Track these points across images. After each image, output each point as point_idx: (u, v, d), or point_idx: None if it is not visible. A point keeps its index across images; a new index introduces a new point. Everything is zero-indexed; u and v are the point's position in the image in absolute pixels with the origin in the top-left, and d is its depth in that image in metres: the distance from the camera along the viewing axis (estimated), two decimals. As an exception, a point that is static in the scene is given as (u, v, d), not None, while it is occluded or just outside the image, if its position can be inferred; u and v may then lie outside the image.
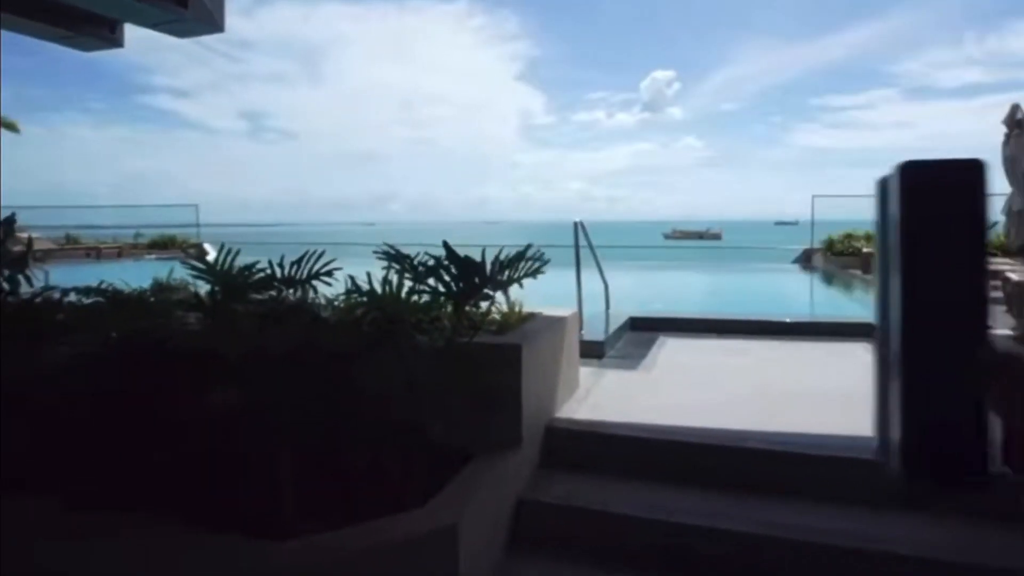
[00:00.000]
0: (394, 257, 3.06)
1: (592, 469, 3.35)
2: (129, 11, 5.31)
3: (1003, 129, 10.47)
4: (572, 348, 4.21)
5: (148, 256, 19.19)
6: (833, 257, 13.69)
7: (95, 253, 18.78)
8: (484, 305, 3.98)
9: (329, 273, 3.15)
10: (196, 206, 22.07)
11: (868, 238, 13.92)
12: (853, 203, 16.63)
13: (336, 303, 3.21)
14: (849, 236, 14.03)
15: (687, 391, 4.24)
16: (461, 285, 2.96)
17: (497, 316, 3.97)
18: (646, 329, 6.36)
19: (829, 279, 12.50)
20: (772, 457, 3.14)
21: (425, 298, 2.96)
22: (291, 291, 3.26)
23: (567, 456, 3.44)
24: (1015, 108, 10.70)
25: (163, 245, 19.93)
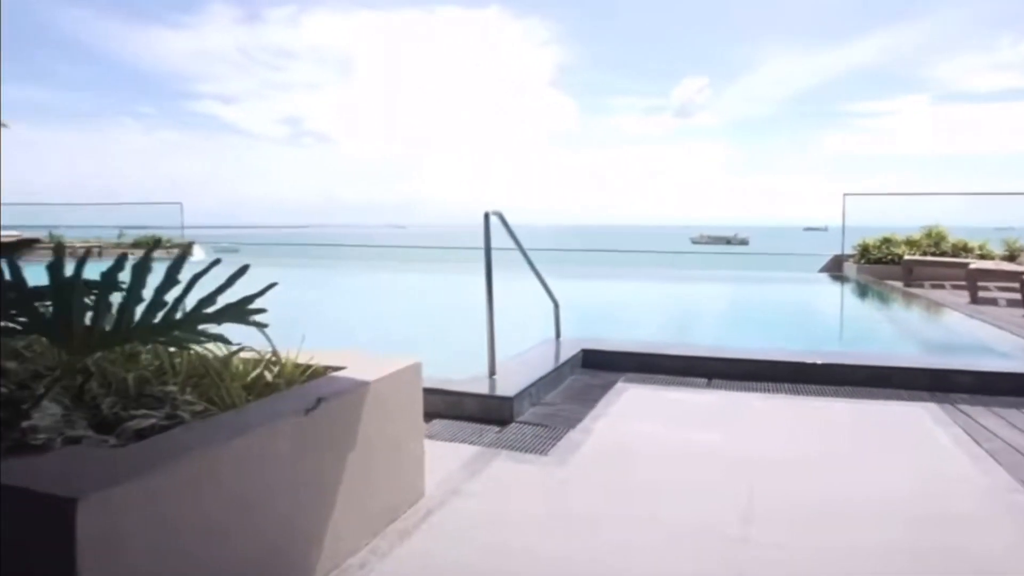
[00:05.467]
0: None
1: None
2: None
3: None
4: (394, 435, 2.31)
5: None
6: (867, 265, 11.60)
7: (73, 252, 17.44)
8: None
9: None
10: (180, 204, 20.63)
11: (910, 243, 11.79)
12: (888, 207, 14.37)
13: None
14: (887, 241, 11.92)
15: (613, 522, 2.30)
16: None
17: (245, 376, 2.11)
18: (603, 367, 4.43)
19: (863, 292, 10.40)
20: None
21: None
22: None
23: None
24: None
25: (146, 245, 18.55)
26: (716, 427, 3.27)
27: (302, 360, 2.32)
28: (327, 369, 2.29)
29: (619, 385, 4.02)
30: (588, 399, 3.74)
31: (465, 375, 3.73)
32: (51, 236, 19.24)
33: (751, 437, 3.10)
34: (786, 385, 4.02)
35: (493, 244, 4.02)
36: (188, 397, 1.87)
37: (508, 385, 3.53)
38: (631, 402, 3.69)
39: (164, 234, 19.37)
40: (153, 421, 1.65)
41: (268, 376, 2.22)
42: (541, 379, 3.78)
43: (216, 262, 1.50)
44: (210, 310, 1.51)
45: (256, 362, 2.26)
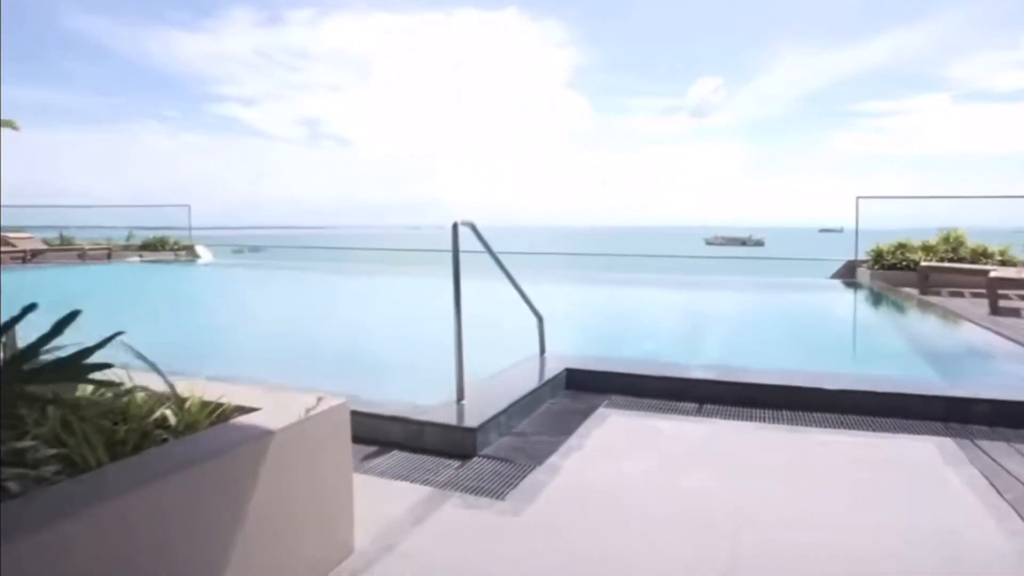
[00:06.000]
0: None
1: None
2: None
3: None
4: (313, 488, 2.01)
5: (132, 258, 17.63)
6: (881, 272, 11.14)
7: (82, 254, 17.39)
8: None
9: None
10: (188, 207, 20.51)
11: (926, 249, 11.31)
12: (903, 208, 13.83)
13: None
14: (902, 246, 11.43)
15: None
16: None
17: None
18: (587, 388, 4.10)
19: (876, 301, 9.97)
20: None
21: None
22: None
23: None
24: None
25: (154, 247, 18.43)
26: (700, 467, 2.93)
27: (212, 396, 2.03)
28: (237, 410, 2.00)
29: (600, 411, 3.69)
30: (564, 428, 3.41)
31: (435, 400, 3.43)
32: (62, 238, 19.19)
33: (738, 481, 2.76)
34: (785, 413, 3.67)
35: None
36: (43, 454, 1.58)
37: (474, 414, 3.21)
38: (609, 433, 3.36)
39: (172, 235, 19.22)
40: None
41: (171, 417, 1.94)
42: (513, 405, 3.46)
43: (31, 307, 1.19)
44: (31, 367, 1.21)
45: (162, 398, 1.98)
